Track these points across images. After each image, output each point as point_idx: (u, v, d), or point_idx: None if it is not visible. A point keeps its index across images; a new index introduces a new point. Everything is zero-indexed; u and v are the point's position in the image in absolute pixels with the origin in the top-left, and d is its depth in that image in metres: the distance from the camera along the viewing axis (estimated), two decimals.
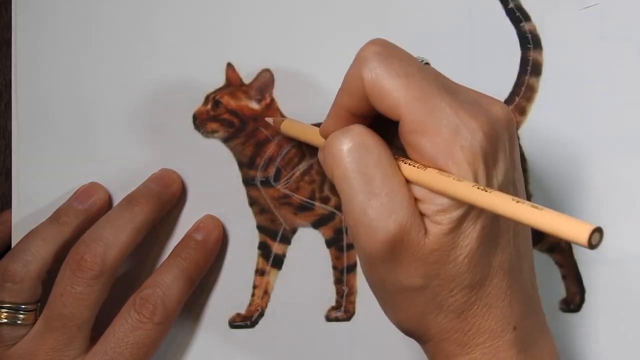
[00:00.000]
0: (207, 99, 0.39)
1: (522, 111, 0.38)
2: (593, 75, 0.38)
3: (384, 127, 0.30)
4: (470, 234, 0.28)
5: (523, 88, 0.38)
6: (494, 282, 0.30)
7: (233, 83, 0.39)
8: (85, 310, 0.35)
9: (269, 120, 0.38)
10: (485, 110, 0.29)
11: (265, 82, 0.39)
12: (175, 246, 0.38)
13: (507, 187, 0.29)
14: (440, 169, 0.28)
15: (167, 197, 0.38)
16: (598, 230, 0.23)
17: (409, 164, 0.29)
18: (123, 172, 0.39)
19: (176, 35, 0.39)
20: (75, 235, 0.37)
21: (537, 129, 0.38)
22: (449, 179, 0.27)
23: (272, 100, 0.39)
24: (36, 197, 0.39)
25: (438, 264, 0.28)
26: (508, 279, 0.30)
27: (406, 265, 0.29)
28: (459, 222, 0.28)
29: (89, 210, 0.38)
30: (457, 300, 0.29)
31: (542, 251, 0.38)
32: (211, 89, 0.39)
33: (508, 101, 0.38)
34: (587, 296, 0.38)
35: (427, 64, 0.32)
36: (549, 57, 0.38)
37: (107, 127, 0.39)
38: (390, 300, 0.31)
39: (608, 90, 0.38)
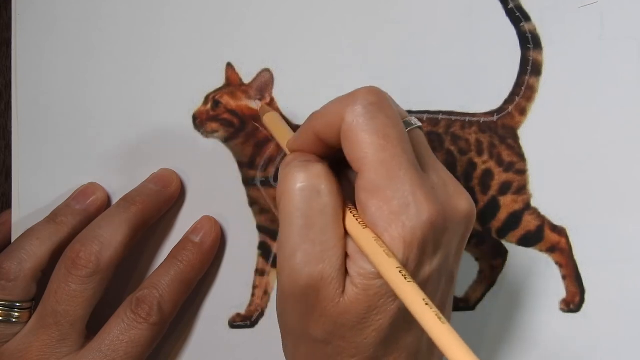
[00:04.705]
0: (207, 99, 0.39)
1: (522, 111, 0.38)
2: (593, 75, 0.38)
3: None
4: (385, 311, 0.28)
5: (523, 88, 0.38)
6: None
7: (233, 83, 0.39)
8: (79, 308, 0.35)
9: (258, 103, 0.38)
10: (447, 198, 0.29)
11: (265, 82, 0.39)
12: (173, 248, 0.38)
13: (439, 278, 0.29)
14: (377, 236, 0.28)
15: (165, 197, 0.38)
16: None
17: (354, 216, 0.29)
18: (123, 172, 0.39)
19: (176, 35, 0.39)
20: (72, 235, 0.36)
21: (537, 129, 0.38)
22: (380, 249, 0.27)
23: (272, 100, 0.39)
24: (36, 197, 0.39)
25: (346, 327, 0.28)
26: None
27: (316, 316, 0.29)
28: (377, 295, 0.28)
29: (87, 210, 0.38)
30: None
31: (542, 251, 0.38)
32: (211, 89, 0.39)
33: (508, 101, 0.38)
34: (587, 296, 0.38)
35: (419, 127, 0.31)
36: (549, 57, 0.38)
37: (107, 127, 0.39)
38: (292, 342, 0.31)
39: (608, 90, 0.38)
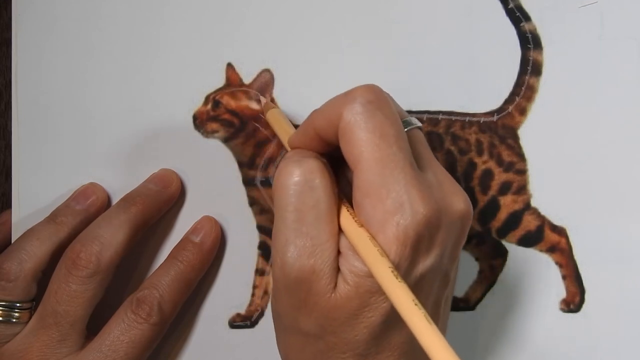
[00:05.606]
0: (207, 99, 0.39)
1: (522, 111, 0.38)
2: (593, 75, 0.38)
3: None
4: (377, 308, 0.28)
5: (523, 88, 0.38)
6: None
7: (233, 83, 0.39)
8: (79, 308, 0.35)
9: (262, 99, 0.38)
10: (443, 197, 0.29)
11: (265, 82, 0.39)
12: (173, 248, 0.38)
13: (433, 278, 0.29)
14: (371, 235, 0.28)
15: (165, 198, 0.38)
16: None
17: (350, 214, 0.29)
18: (123, 172, 0.39)
19: (176, 35, 0.39)
20: (72, 235, 0.36)
21: (537, 129, 0.38)
22: (374, 248, 0.27)
23: (272, 100, 0.39)
24: (36, 197, 0.39)
25: (337, 322, 0.28)
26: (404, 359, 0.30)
27: (308, 310, 0.29)
28: (367, 293, 0.28)
29: (87, 210, 0.38)
30: None
31: (542, 251, 0.38)
32: (211, 89, 0.39)
33: (508, 101, 0.38)
34: (587, 296, 0.38)
35: (418, 127, 0.31)
36: (549, 57, 0.38)
37: (107, 127, 0.39)
38: (284, 335, 0.31)
39: (608, 90, 0.38)
